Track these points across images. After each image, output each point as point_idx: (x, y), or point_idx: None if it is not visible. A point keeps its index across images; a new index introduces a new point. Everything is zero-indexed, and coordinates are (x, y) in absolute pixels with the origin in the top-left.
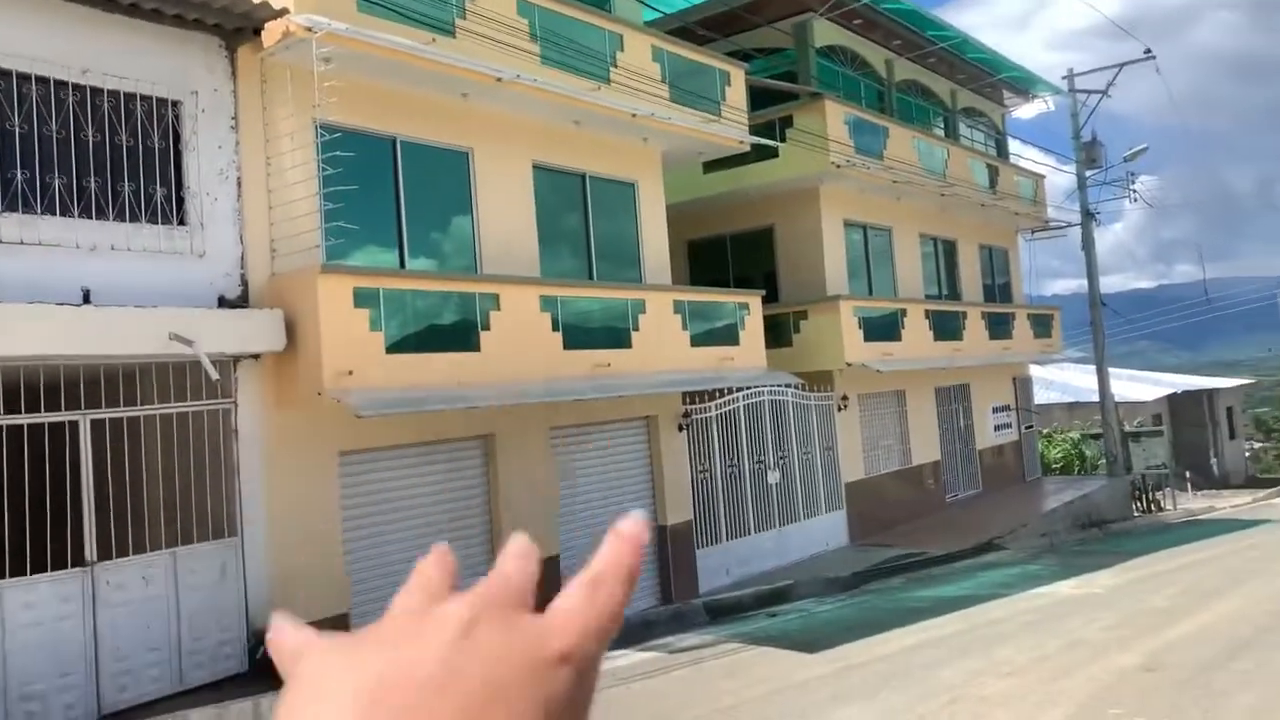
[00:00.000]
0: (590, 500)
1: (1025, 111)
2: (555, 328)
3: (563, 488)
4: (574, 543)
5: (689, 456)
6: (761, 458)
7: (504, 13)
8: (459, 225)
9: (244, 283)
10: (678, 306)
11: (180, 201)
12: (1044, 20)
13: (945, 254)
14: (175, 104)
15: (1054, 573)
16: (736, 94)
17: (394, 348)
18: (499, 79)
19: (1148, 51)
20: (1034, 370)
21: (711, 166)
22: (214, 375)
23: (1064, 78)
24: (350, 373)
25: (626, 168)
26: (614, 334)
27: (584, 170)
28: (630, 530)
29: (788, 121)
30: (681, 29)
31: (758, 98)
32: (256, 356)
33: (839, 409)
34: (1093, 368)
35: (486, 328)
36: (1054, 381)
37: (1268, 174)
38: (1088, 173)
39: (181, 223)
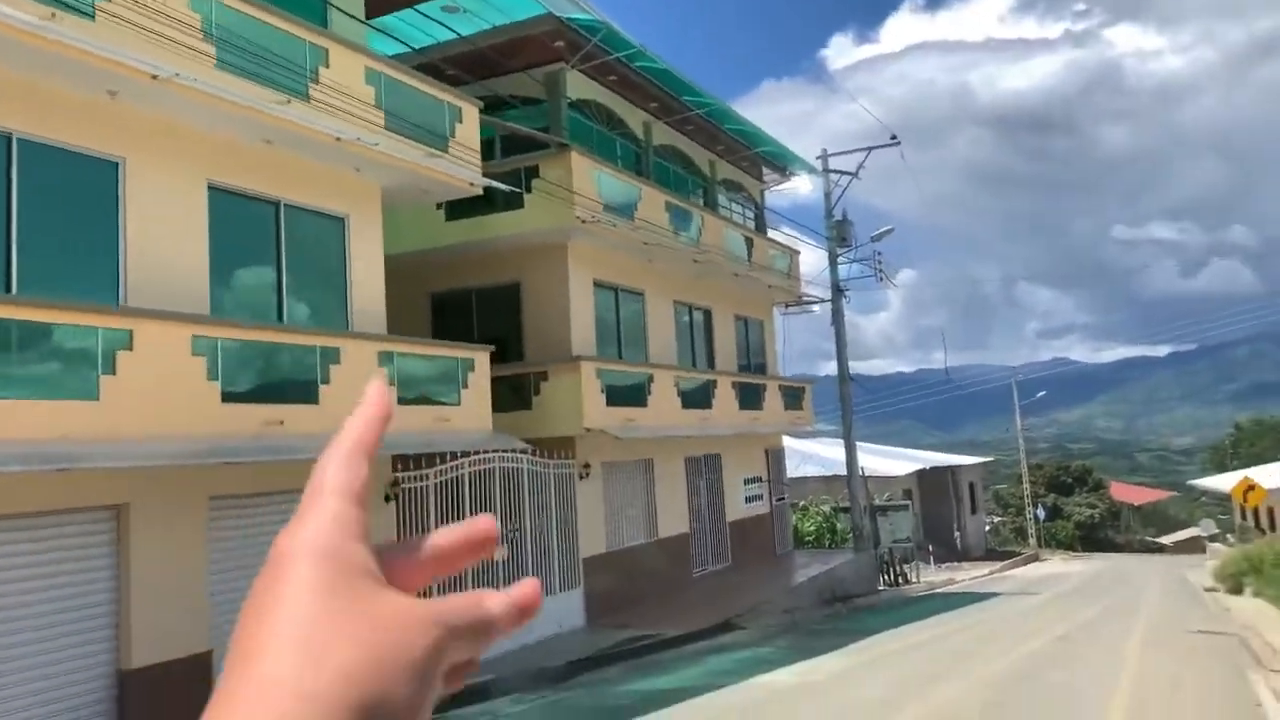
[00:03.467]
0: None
1: (783, 189)
2: (213, 376)
3: (219, 571)
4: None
5: (398, 530)
6: None
7: (169, 2)
8: (98, 249)
9: None
10: (384, 358)
11: None
12: (822, 123)
13: (700, 322)
14: None
15: (783, 657)
16: (469, 132)
17: None
18: (155, 76)
19: (893, 138)
20: (793, 443)
21: (455, 214)
22: None
23: (818, 158)
24: None
25: (334, 199)
26: (295, 387)
27: (278, 197)
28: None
29: (534, 171)
30: (430, 67)
31: (508, 145)
32: None
33: (580, 478)
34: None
35: (111, 371)
36: (813, 455)
37: (1009, 275)
38: (839, 251)
39: None
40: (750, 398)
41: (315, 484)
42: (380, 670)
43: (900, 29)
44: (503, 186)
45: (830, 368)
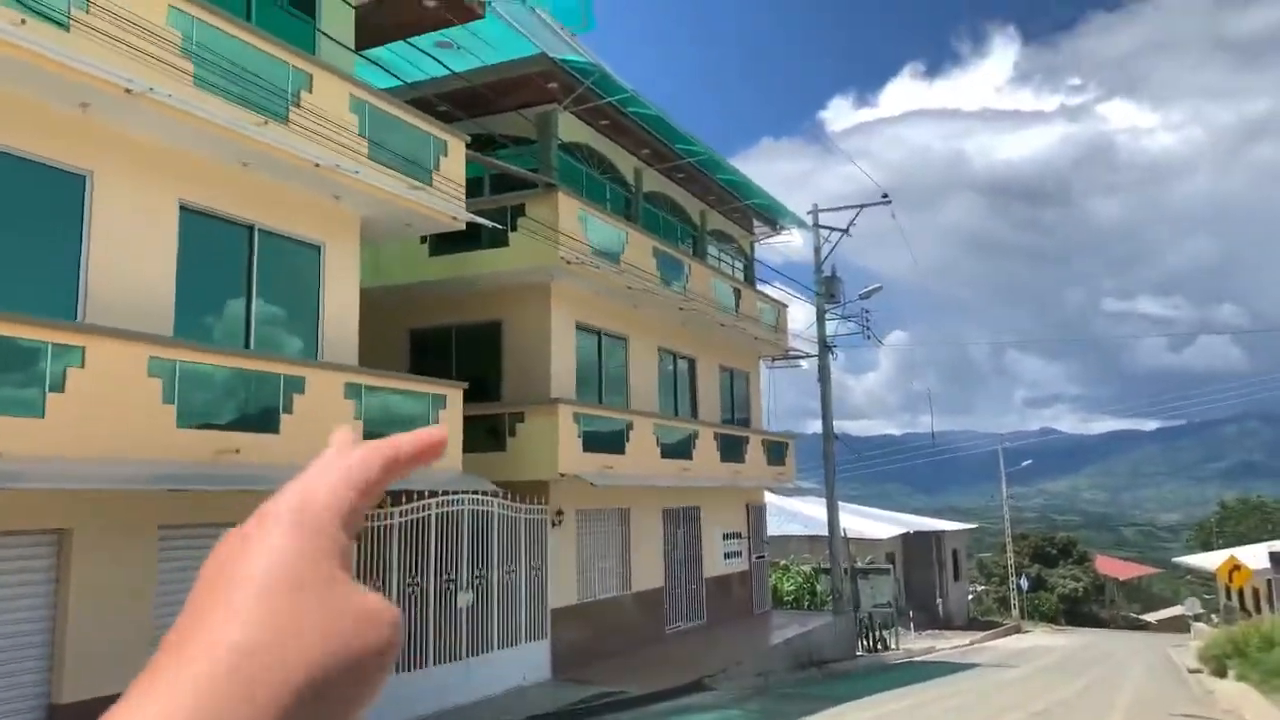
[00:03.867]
0: None
1: (773, 242)
2: (168, 399)
3: (167, 604)
4: None
5: (357, 570)
6: (453, 576)
7: (147, 16)
8: (59, 261)
9: None
10: (351, 390)
11: None
12: (818, 183)
13: (685, 371)
14: None
15: None
16: (454, 166)
17: None
18: (128, 90)
19: (885, 196)
20: (776, 501)
21: (439, 249)
22: None
23: (809, 212)
24: None
25: (311, 227)
26: (256, 415)
27: (253, 221)
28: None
29: (520, 210)
30: (422, 101)
31: (497, 184)
32: None
33: (553, 524)
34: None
35: (59, 389)
36: (797, 513)
37: (999, 342)
38: (826, 307)
39: None
40: (732, 450)
41: (327, 455)
42: (333, 658)
43: (899, 94)
44: (486, 222)
45: (817, 426)
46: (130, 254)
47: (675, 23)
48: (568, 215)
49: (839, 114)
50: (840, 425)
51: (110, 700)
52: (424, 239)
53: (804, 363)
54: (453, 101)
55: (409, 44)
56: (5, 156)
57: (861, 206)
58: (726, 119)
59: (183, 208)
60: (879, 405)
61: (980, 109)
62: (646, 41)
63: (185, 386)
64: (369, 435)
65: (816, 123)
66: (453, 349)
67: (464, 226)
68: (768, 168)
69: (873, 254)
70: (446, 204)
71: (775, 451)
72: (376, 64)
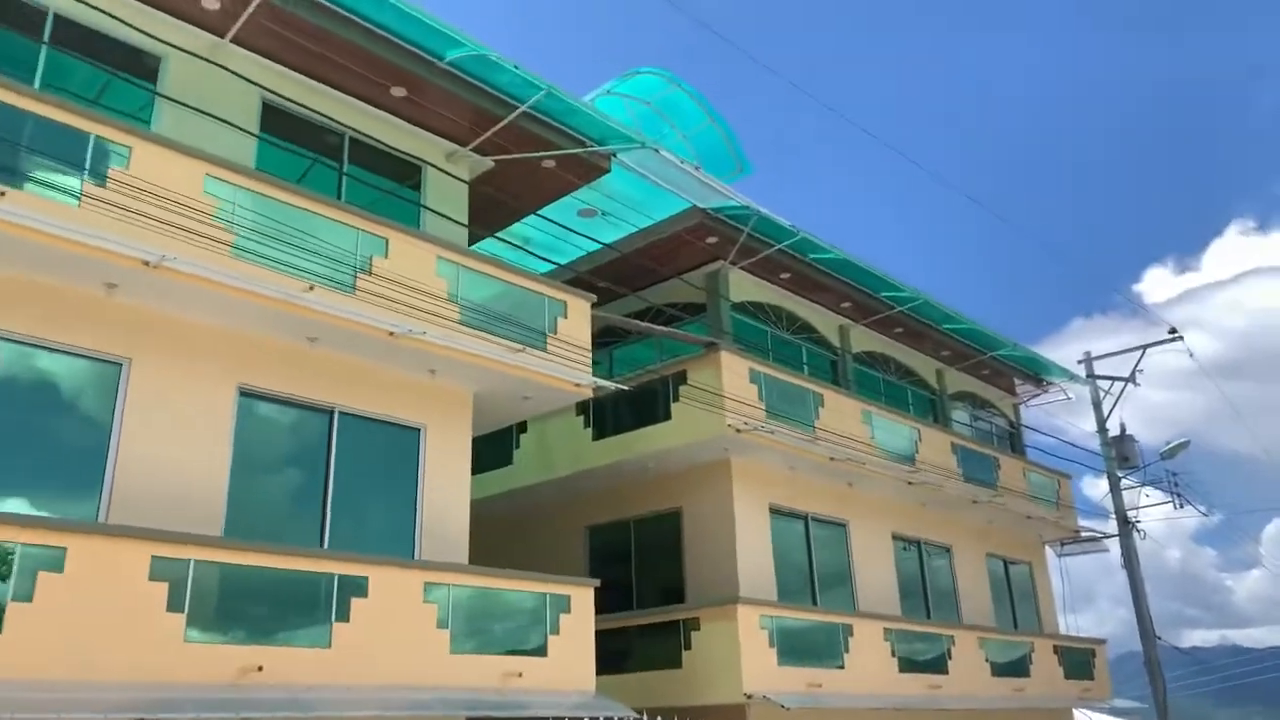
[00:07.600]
0: None
1: (1042, 403)
2: (175, 607)
3: None
4: None
5: None
6: None
7: (173, 187)
8: (84, 460)
9: None
10: (434, 593)
11: None
12: (1147, 363)
13: (938, 563)
14: None
15: None
16: (576, 328)
17: None
18: (147, 263)
19: (1173, 331)
20: None
21: (601, 432)
22: None
23: (1080, 362)
24: None
25: (406, 407)
26: (300, 626)
27: (331, 404)
28: None
29: (682, 378)
30: (581, 282)
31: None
32: None
33: None
34: None
35: (27, 598)
36: None
37: None
38: (1121, 473)
39: None
40: (1010, 661)
41: None
42: None
43: (1227, 255)
44: (612, 385)
45: (1197, 636)
46: (169, 446)
47: (969, 224)
48: (735, 377)
49: (1158, 284)
50: (1225, 634)
51: None
52: (587, 423)
53: (1107, 546)
54: (610, 277)
55: (548, 220)
56: (32, 348)
57: (1145, 347)
58: (1031, 306)
59: (244, 393)
60: (1274, 608)
61: None
62: (950, 249)
63: (199, 591)
64: (458, 650)
65: (1132, 296)
66: (632, 546)
67: (590, 394)
68: (1082, 347)
69: (1225, 435)
70: (566, 370)
71: (1076, 661)
72: (523, 248)
